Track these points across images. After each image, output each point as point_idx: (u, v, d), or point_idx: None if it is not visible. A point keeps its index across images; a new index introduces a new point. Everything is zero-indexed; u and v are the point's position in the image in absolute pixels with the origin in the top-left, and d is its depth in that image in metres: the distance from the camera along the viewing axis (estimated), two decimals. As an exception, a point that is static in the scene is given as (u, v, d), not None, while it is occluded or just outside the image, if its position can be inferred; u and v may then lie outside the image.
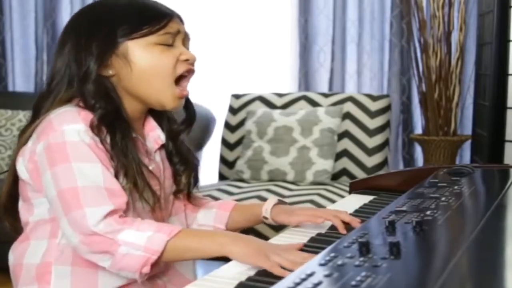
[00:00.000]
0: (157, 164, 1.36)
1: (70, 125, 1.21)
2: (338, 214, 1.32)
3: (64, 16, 4.00)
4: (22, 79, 4.10)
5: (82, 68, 1.26)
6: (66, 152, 1.19)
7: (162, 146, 1.39)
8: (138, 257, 1.15)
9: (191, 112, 1.42)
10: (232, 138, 3.37)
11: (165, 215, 1.39)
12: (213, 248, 1.15)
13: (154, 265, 1.17)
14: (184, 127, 1.42)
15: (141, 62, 1.27)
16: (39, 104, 1.30)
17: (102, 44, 1.26)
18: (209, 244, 1.16)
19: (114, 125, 1.24)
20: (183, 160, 1.41)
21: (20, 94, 3.89)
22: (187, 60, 1.30)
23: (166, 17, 1.29)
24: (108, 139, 1.23)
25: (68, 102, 1.27)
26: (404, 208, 1.20)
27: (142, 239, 1.15)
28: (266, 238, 1.87)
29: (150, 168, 1.32)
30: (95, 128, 1.22)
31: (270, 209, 1.39)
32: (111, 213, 1.17)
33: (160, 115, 1.39)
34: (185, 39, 1.33)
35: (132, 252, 1.15)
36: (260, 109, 3.31)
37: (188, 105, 1.40)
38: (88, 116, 1.23)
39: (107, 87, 1.27)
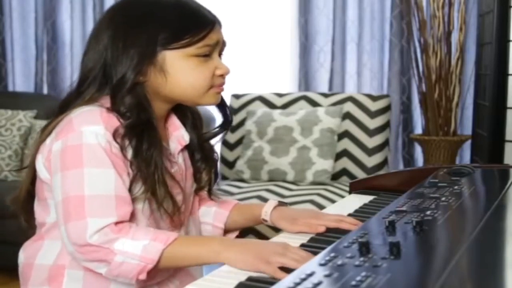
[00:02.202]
0: (180, 165, 1.33)
1: (90, 127, 1.18)
2: (343, 219, 1.31)
3: (64, 16, 4.01)
4: (22, 79, 4.11)
5: (117, 73, 1.22)
6: (81, 155, 1.17)
7: (185, 146, 1.36)
8: (134, 265, 1.14)
9: (227, 115, 1.40)
10: (232, 138, 3.37)
11: (185, 217, 1.37)
12: (209, 256, 1.14)
13: (150, 272, 1.16)
14: (221, 130, 1.41)
15: (176, 74, 1.24)
16: (67, 102, 1.26)
17: (141, 52, 1.22)
18: (205, 252, 1.15)
19: (142, 135, 1.21)
20: (204, 157, 1.39)
21: (20, 94, 3.90)
22: (221, 75, 1.28)
23: (208, 26, 1.25)
24: (130, 148, 1.20)
25: (95, 101, 1.24)
26: (404, 208, 1.20)
27: (138, 248, 1.14)
28: (266, 238, 1.87)
29: (172, 171, 1.29)
30: (118, 136, 1.19)
31: (270, 212, 1.37)
32: (110, 224, 1.16)
33: (184, 113, 1.36)
34: (222, 47, 1.30)
35: (128, 260, 1.14)
36: (260, 109, 3.31)
37: (223, 108, 1.38)
38: (109, 118, 1.20)
39: (140, 95, 1.23)
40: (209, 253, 1.14)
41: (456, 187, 1.38)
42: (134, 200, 1.21)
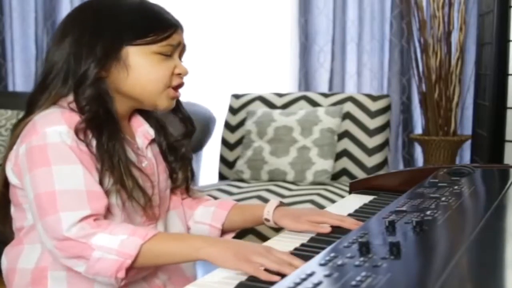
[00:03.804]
0: (150, 160, 1.35)
1: (52, 127, 1.20)
2: (345, 219, 1.30)
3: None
4: (22, 79, 4.10)
5: (81, 67, 1.24)
6: (46, 154, 1.18)
7: (153, 141, 1.38)
8: (112, 261, 1.13)
9: (189, 125, 1.42)
10: (232, 138, 3.37)
11: (161, 211, 1.37)
12: (189, 252, 1.13)
13: (129, 269, 1.14)
14: (184, 139, 1.42)
15: (138, 69, 1.27)
16: (34, 98, 1.28)
17: (107, 47, 1.25)
18: (185, 248, 1.13)
19: (102, 127, 1.23)
20: (177, 157, 1.41)
21: (20, 94, 3.89)
22: (179, 74, 1.31)
23: (172, 27, 1.29)
24: (93, 142, 1.22)
25: (62, 97, 1.26)
26: (404, 208, 1.20)
27: (115, 242, 1.13)
28: (266, 238, 1.87)
29: (143, 165, 1.32)
30: (80, 132, 1.21)
31: (272, 211, 1.37)
32: (86, 218, 1.15)
33: (148, 114, 1.39)
34: (182, 50, 1.35)
35: (105, 256, 1.13)
36: (260, 109, 3.31)
37: (184, 118, 1.41)
38: (72, 118, 1.22)
39: (101, 89, 1.26)
40: (189, 249, 1.13)
41: (456, 187, 1.38)
42: (106, 193, 1.22)
